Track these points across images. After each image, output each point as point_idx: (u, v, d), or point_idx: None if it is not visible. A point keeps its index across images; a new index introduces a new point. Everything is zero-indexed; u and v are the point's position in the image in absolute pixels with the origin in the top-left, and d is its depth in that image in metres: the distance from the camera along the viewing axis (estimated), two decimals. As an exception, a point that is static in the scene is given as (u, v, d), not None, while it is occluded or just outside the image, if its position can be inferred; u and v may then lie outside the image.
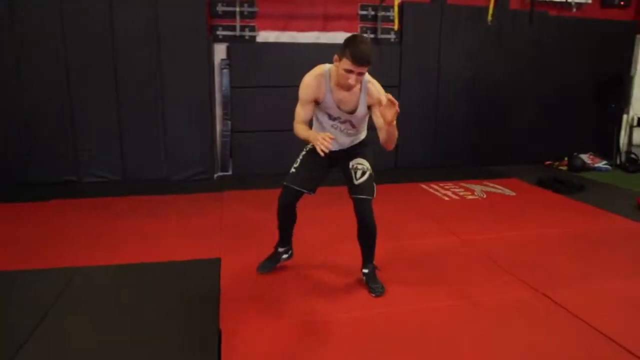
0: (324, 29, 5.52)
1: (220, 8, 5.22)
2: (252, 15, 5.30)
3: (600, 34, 6.16)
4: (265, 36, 5.39)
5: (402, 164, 5.88)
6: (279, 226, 2.75)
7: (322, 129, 2.57)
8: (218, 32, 5.26)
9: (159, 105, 5.06)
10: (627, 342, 2.11)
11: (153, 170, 5.21)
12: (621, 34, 6.29)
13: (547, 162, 6.21)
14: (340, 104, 2.45)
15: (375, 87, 2.44)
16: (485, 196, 4.65)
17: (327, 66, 2.45)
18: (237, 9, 5.20)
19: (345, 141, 2.61)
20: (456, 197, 4.59)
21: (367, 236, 2.58)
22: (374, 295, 2.55)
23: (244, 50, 5.31)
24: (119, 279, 2.79)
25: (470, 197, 4.62)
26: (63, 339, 2.15)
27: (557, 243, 3.42)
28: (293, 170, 2.62)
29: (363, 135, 2.67)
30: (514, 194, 4.75)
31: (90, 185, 5.03)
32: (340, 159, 2.61)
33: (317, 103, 2.48)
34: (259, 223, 3.73)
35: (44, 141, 4.93)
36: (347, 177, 2.58)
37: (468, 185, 5.00)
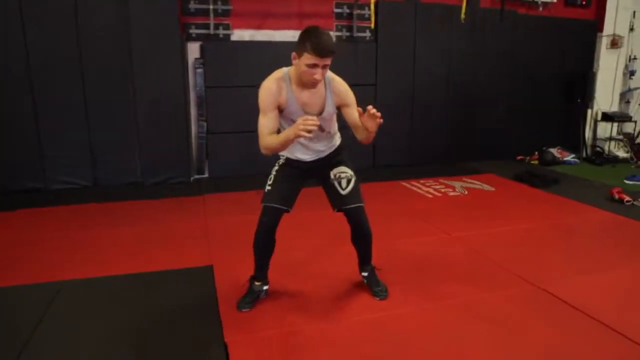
0: (299, 27, 5.42)
1: (192, 5, 5.05)
2: (226, 13, 5.16)
3: (565, 33, 6.37)
4: (240, 35, 5.26)
5: (380, 162, 5.89)
6: (257, 256, 2.45)
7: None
8: (191, 31, 5.09)
9: (132, 106, 4.85)
10: (628, 331, 2.16)
11: (126, 174, 4.99)
12: (584, 32, 6.53)
13: (519, 157, 6.37)
14: (306, 107, 2.23)
15: (342, 86, 2.27)
16: (466, 192, 4.71)
17: (285, 69, 2.26)
18: (211, 6, 5.05)
19: (320, 147, 2.38)
20: (438, 194, 4.63)
21: (363, 241, 2.48)
22: (378, 298, 2.49)
23: (219, 49, 5.17)
24: (108, 293, 2.63)
25: (452, 193, 4.67)
26: (56, 361, 2.00)
27: (542, 236, 3.49)
28: (268, 188, 2.37)
29: (337, 139, 2.47)
30: (493, 189, 4.83)
31: (58, 192, 4.76)
32: (317, 169, 2.41)
33: (280, 111, 2.23)
34: (246, 227, 3.58)
35: (6, 146, 4.63)
36: (329, 189, 2.39)
37: (448, 182, 5.05)
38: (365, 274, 2.58)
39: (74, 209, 4.19)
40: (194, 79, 5.17)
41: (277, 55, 5.26)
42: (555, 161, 6.13)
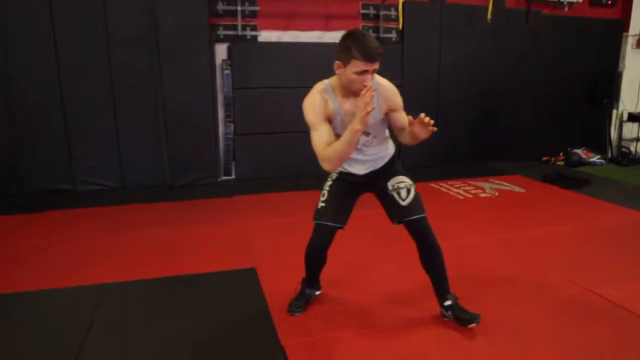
0: (326, 28, 5.42)
1: (220, 7, 5.05)
2: (253, 15, 5.16)
3: (591, 32, 6.31)
4: (267, 36, 5.26)
5: (406, 163, 5.83)
6: (308, 269, 2.40)
7: None
8: (219, 32, 5.09)
9: (159, 108, 4.85)
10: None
11: (154, 175, 4.99)
12: (609, 32, 6.46)
13: (544, 158, 6.31)
14: (354, 116, 2.02)
15: (390, 91, 2.14)
16: (497, 194, 4.66)
17: (325, 81, 2.13)
18: (238, 8, 5.05)
19: (373, 154, 2.23)
20: (469, 196, 4.59)
21: (434, 259, 2.22)
22: (473, 325, 2.18)
23: (246, 51, 5.16)
24: (152, 295, 2.61)
25: (482, 195, 4.63)
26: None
27: (581, 238, 3.45)
28: (322, 204, 2.23)
29: (390, 147, 2.33)
30: (523, 190, 4.78)
31: (86, 193, 4.77)
32: (372, 182, 2.26)
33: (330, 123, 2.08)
34: (281, 230, 3.61)
35: (35, 148, 4.65)
36: (387, 201, 2.22)
37: (476, 183, 5.01)
38: (448, 303, 2.24)
39: (102, 210, 4.18)
40: (222, 81, 5.16)
41: (303, 56, 5.29)
42: (582, 162, 6.07)
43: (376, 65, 1.95)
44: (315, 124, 2.04)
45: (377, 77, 2.09)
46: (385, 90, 2.12)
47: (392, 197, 2.20)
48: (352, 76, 1.94)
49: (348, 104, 2.07)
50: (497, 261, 3.04)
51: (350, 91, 2.03)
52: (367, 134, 2.15)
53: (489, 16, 5.49)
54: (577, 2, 6.24)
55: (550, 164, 6.14)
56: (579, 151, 6.25)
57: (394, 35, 5.58)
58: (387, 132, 2.29)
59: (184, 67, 4.81)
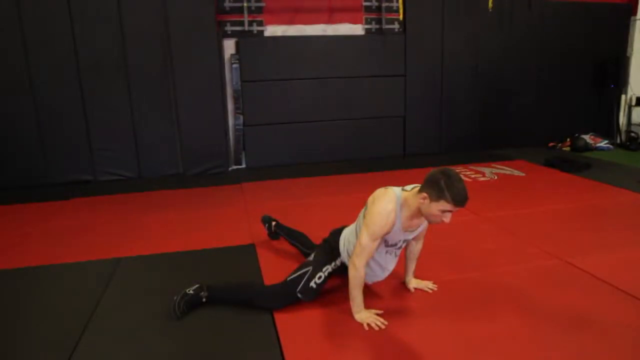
0: (329, 21, 5.62)
1: (228, 4, 5.30)
2: (259, 10, 5.39)
3: (597, 17, 6.32)
4: (273, 30, 5.48)
5: (410, 150, 6.01)
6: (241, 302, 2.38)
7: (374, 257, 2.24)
8: (226, 28, 5.35)
9: (172, 101, 5.15)
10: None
11: (168, 166, 5.30)
12: (616, 16, 6.45)
13: (551, 144, 6.37)
14: (408, 229, 2.20)
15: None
16: (496, 177, 4.79)
17: (397, 194, 2.11)
18: (245, 4, 5.29)
19: (393, 266, 2.36)
20: (469, 180, 4.73)
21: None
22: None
23: (253, 45, 5.40)
24: (163, 268, 2.89)
25: (482, 179, 4.76)
26: (121, 327, 2.26)
27: (572, 217, 3.57)
28: (313, 285, 2.28)
29: None
30: (523, 174, 4.90)
31: (106, 183, 5.11)
32: None
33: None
34: (283, 210, 3.84)
35: (58, 142, 5.00)
36: None
37: (478, 168, 5.15)
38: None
39: (122, 197, 4.51)
40: (230, 74, 5.42)
41: (308, 49, 5.52)
42: (588, 147, 6.11)
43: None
44: (376, 236, 2.10)
45: None
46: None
47: None
48: (436, 212, 1.98)
49: (410, 222, 2.15)
50: (482, 236, 3.20)
51: (423, 217, 2.10)
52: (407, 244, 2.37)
53: (490, 4, 5.59)
54: (583, -12, 6.25)
55: (556, 150, 6.20)
56: (586, 137, 6.28)
57: (396, 26, 5.73)
58: None
59: (194, 62, 5.08)
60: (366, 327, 2.11)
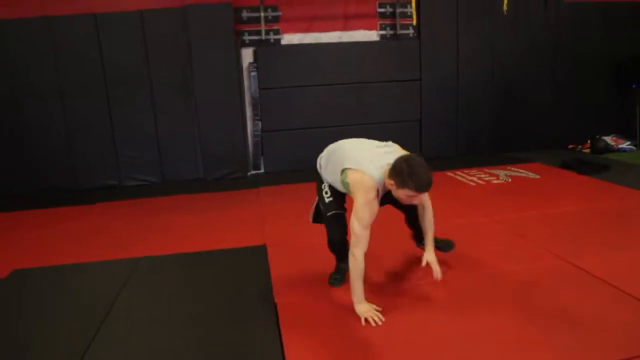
0: (344, 28, 5.74)
1: (245, 14, 5.49)
2: (276, 19, 5.56)
3: (617, 16, 6.23)
4: (290, 38, 5.64)
5: (427, 154, 6.03)
6: (336, 253, 2.67)
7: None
8: (245, 37, 5.53)
9: (193, 110, 5.36)
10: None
11: (190, 171, 5.52)
12: (636, 16, 6.33)
13: (570, 146, 6.30)
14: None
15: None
16: (510, 180, 4.80)
17: (376, 177, 2.21)
18: (262, 14, 5.47)
19: None
20: (482, 182, 4.75)
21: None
22: (448, 250, 2.73)
23: (270, 53, 5.57)
24: (179, 266, 3.08)
25: (495, 181, 4.78)
26: (136, 322, 2.42)
27: (583, 219, 3.56)
28: (329, 199, 2.52)
29: None
30: (538, 176, 4.88)
31: (131, 188, 5.36)
32: None
33: None
34: (296, 212, 3.97)
35: (86, 150, 5.29)
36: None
37: (492, 171, 5.16)
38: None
39: (145, 201, 4.74)
40: (249, 82, 5.61)
41: (324, 56, 5.65)
42: (609, 149, 6.01)
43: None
44: (366, 225, 2.22)
45: None
46: None
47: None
48: (402, 196, 2.16)
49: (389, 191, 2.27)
50: (489, 238, 3.24)
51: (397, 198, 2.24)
52: None
53: (505, 6, 5.59)
54: (601, -13, 6.18)
55: (576, 152, 6.13)
56: (607, 138, 6.18)
57: (410, 31, 5.80)
58: None
59: (213, 71, 5.28)
60: (363, 323, 2.20)
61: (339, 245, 2.59)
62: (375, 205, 2.24)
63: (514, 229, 3.38)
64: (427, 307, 2.36)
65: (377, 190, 2.24)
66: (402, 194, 2.15)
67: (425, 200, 2.47)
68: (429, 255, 2.50)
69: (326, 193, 2.56)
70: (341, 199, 2.56)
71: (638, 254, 2.86)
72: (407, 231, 2.80)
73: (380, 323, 2.20)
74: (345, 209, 2.55)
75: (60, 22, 5.02)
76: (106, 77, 5.18)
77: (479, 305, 2.35)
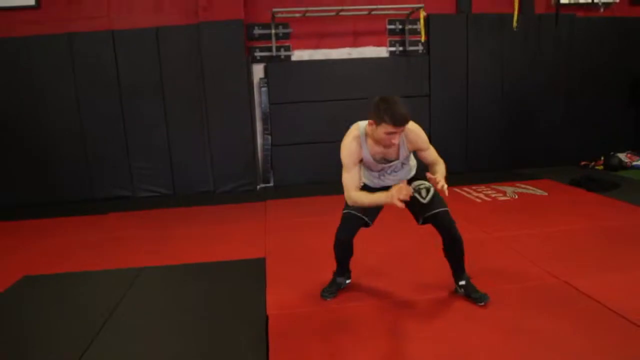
0: (354, 44, 5.83)
1: (257, 31, 5.63)
2: (286, 36, 5.69)
3: (632, 32, 6.17)
4: (300, 55, 5.75)
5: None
6: (337, 259, 2.66)
7: (370, 180, 2.57)
8: (256, 54, 5.67)
9: (205, 124, 5.50)
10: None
11: (200, 183, 5.64)
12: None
13: (583, 162, 6.23)
14: (382, 157, 2.43)
15: (414, 133, 2.41)
16: (516, 197, 4.77)
17: (361, 125, 2.41)
18: (273, 31, 5.60)
19: (400, 177, 2.52)
20: (488, 199, 4.74)
21: (456, 249, 2.52)
22: (481, 304, 2.50)
23: (281, 69, 5.69)
24: (176, 277, 3.16)
25: (502, 198, 4.76)
26: (132, 329, 2.50)
27: (586, 237, 3.52)
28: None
29: (414, 169, 2.61)
30: (546, 194, 4.84)
31: (144, 199, 5.51)
32: None
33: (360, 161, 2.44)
34: (300, 226, 4.06)
35: (102, 161, 5.47)
36: (411, 203, 2.38)
37: (499, 187, 5.13)
38: (462, 282, 2.58)
39: (155, 212, 4.87)
40: (259, 97, 5.73)
41: (334, 72, 5.73)
42: (623, 166, 5.92)
43: (403, 128, 2.26)
44: (348, 166, 2.40)
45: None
46: (410, 133, 2.40)
47: (414, 198, 2.39)
48: (382, 135, 2.25)
49: (377, 149, 2.39)
50: (487, 255, 3.23)
51: (381, 143, 2.33)
52: (401, 166, 2.51)
53: (515, 23, 5.61)
54: (615, 3, 6.14)
55: (588, 169, 6.05)
56: (621, 155, 6.10)
57: (420, 47, 5.86)
58: (413, 161, 2.62)
59: (225, 87, 5.42)
60: (399, 204, 2.16)
61: (343, 247, 2.56)
62: (354, 147, 2.38)
63: (514, 246, 3.37)
64: (414, 323, 2.38)
65: (359, 137, 2.38)
66: (381, 133, 2.24)
67: (434, 157, 2.49)
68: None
69: None
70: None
71: (636, 274, 2.83)
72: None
73: (410, 192, 2.18)
74: (368, 219, 2.51)
75: (80, 38, 5.24)
76: (122, 92, 5.37)
77: (462, 323, 2.36)
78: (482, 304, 2.51)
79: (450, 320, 2.40)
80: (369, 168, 2.51)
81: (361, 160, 2.44)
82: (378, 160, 2.44)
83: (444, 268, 2.65)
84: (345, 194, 2.40)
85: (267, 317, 2.48)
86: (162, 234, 4.09)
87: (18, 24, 5.21)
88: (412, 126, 2.39)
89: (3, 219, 4.81)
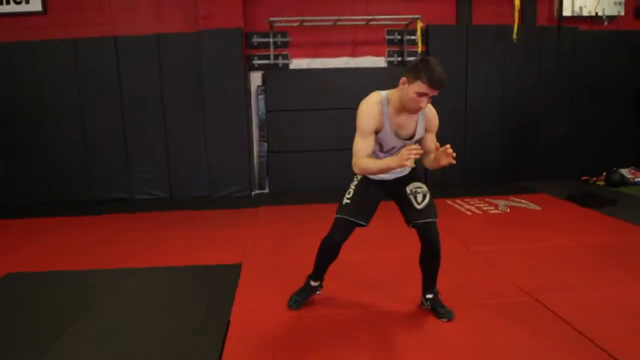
0: (352, 54, 5.86)
1: (256, 39, 5.71)
2: (285, 45, 5.75)
3: (636, 46, 6.07)
4: (298, 63, 5.81)
5: (433, 180, 6.00)
6: (318, 262, 2.57)
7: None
8: (254, 62, 5.75)
9: (202, 129, 5.59)
10: (609, 346, 2.17)
11: (197, 188, 5.72)
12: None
13: (584, 178, 6.11)
14: (399, 130, 2.32)
15: (432, 112, 2.38)
16: (508, 210, 4.72)
17: (383, 93, 2.30)
18: (271, 39, 5.67)
19: (403, 170, 2.45)
20: (478, 212, 4.69)
21: (433, 261, 2.47)
22: (444, 320, 2.48)
23: (278, 77, 5.75)
24: (153, 279, 3.23)
25: (493, 211, 4.71)
26: (101, 328, 2.56)
27: (570, 253, 3.46)
28: (347, 200, 2.44)
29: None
30: (539, 208, 4.77)
31: (141, 201, 5.61)
32: (394, 186, 2.46)
33: (375, 133, 2.30)
34: (285, 234, 4.08)
35: (102, 164, 5.59)
36: (404, 203, 2.41)
37: (492, 200, 5.08)
38: (430, 296, 2.55)
39: (150, 215, 4.95)
40: (257, 104, 5.79)
41: (331, 81, 5.76)
42: (624, 182, 5.80)
43: (436, 93, 2.16)
44: (364, 133, 2.26)
45: None
46: (429, 112, 2.39)
47: (409, 200, 2.38)
48: (412, 95, 2.14)
49: (398, 119, 2.30)
50: (461, 269, 3.20)
51: (404, 108, 2.24)
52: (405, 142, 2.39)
53: (515, 36, 5.57)
54: (620, 16, 6.04)
55: (588, 184, 5.94)
56: (624, 170, 5.97)
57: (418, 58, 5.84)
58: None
59: (223, 94, 5.51)
60: (408, 163, 2.09)
61: (332, 248, 2.47)
62: (376, 111, 2.24)
63: (491, 261, 3.34)
64: (379, 334, 2.38)
65: (380, 102, 2.26)
66: (412, 92, 2.13)
67: (435, 146, 2.40)
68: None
69: (349, 193, 2.47)
70: (368, 202, 2.45)
71: (612, 293, 2.77)
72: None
73: (420, 152, 2.09)
74: (363, 221, 2.41)
75: (83, 44, 5.39)
76: (122, 96, 5.50)
77: (422, 340, 2.35)
78: (446, 320, 2.49)
79: (407, 336, 2.39)
80: (380, 145, 2.34)
81: (377, 133, 2.29)
82: (396, 132, 2.31)
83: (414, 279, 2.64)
84: (354, 159, 2.27)
85: (228, 323, 2.51)
86: (153, 237, 4.16)
87: (26, 29, 5.40)
88: (431, 106, 2.37)
89: (3, 217, 4.96)
